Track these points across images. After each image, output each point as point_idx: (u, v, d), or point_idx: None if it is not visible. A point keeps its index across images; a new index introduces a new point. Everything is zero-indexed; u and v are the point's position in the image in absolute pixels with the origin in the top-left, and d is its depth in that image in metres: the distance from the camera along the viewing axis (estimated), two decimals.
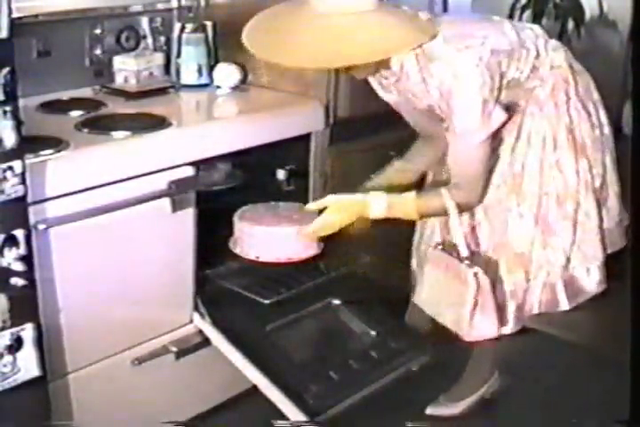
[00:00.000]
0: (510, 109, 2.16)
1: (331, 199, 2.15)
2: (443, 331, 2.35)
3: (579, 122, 2.23)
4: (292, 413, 2.27)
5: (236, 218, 2.38)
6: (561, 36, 4.82)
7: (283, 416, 2.27)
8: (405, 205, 2.12)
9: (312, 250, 2.32)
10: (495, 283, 2.21)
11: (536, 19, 4.84)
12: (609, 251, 2.35)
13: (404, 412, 2.58)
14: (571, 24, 4.88)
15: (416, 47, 2.03)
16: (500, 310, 2.20)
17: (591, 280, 2.33)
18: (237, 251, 2.37)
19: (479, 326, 2.16)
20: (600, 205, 2.30)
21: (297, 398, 2.29)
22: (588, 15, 4.92)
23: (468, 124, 2.05)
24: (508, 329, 2.32)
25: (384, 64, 2.09)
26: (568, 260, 2.28)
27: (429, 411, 2.62)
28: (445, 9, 3.17)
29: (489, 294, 2.15)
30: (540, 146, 2.21)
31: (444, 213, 2.14)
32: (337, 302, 2.66)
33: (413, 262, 2.51)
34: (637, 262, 2.00)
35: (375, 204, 2.11)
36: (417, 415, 2.60)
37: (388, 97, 2.29)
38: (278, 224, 2.33)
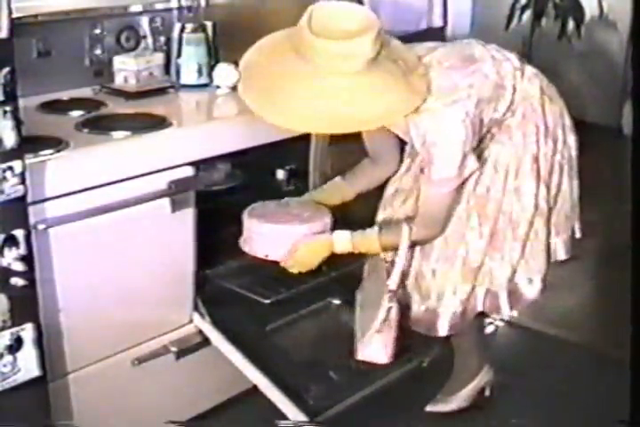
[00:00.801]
0: (481, 139, 2.24)
1: (299, 246, 2.28)
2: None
3: (545, 151, 2.30)
4: (292, 413, 2.27)
5: (245, 215, 2.37)
6: (561, 36, 4.83)
7: (283, 416, 2.28)
8: (370, 243, 2.27)
9: (273, 255, 2.34)
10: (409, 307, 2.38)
11: (536, 19, 4.85)
12: (553, 260, 2.44)
13: (403, 412, 2.59)
14: (571, 24, 4.88)
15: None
16: (399, 340, 2.28)
17: (533, 289, 2.40)
18: (246, 249, 2.37)
19: (373, 351, 2.26)
20: (549, 223, 2.38)
21: (297, 398, 2.29)
22: (587, 15, 4.93)
23: (444, 174, 2.14)
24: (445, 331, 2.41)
25: None
26: (514, 272, 2.36)
27: (429, 408, 2.64)
28: (445, 9, 3.17)
29: (394, 327, 2.24)
30: (504, 173, 2.28)
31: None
32: (337, 302, 2.66)
33: None
34: (637, 262, 2.00)
35: (339, 243, 2.28)
36: (417, 415, 2.61)
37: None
38: (288, 222, 2.34)
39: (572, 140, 2.37)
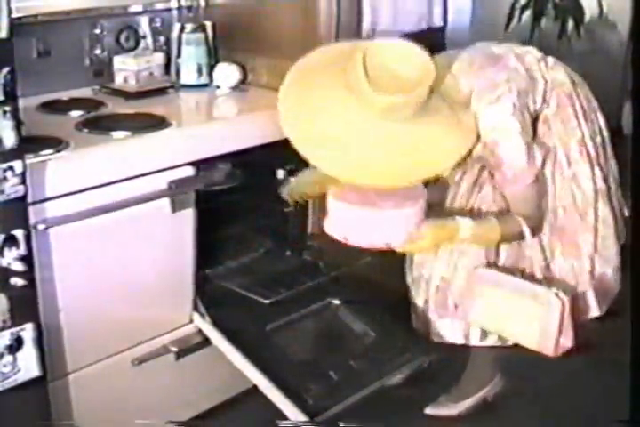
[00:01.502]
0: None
1: (427, 231, 2.10)
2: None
3: (588, 134, 2.28)
4: (292, 413, 2.27)
5: (330, 194, 2.18)
6: (561, 36, 4.83)
7: (283, 416, 2.27)
8: (491, 231, 2.15)
9: (394, 241, 2.12)
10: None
11: (536, 19, 4.84)
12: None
13: (403, 412, 2.58)
14: (571, 24, 4.87)
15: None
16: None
17: (614, 281, 2.36)
18: (328, 230, 2.16)
19: (563, 342, 2.19)
20: (614, 209, 2.34)
21: (297, 398, 2.29)
22: (587, 15, 4.92)
23: (517, 170, 2.13)
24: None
25: None
26: (593, 266, 2.31)
27: (429, 411, 2.62)
28: (445, 9, 3.17)
29: (569, 311, 2.17)
30: (552, 162, 2.24)
31: (517, 238, 2.20)
32: (337, 302, 2.66)
33: (409, 279, 2.48)
34: (637, 262, 2.00)
35: (463, 230, 2.12)
36: (417, 416, 2.61)
37: None
38: (377, 204, 2.12)
39: (602, 121, 2.34)
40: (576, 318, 2.24)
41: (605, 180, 2.30)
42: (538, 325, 2.18)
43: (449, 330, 2.39)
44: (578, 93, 2.28)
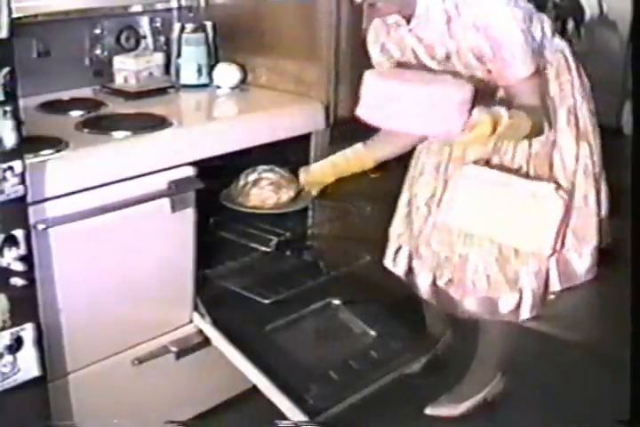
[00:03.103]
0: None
1: (483, 115, 1.96)
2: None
3: (581, 105, 2.29)
4: (292, 413, 2.27)
5: (370, 74, 2.05)
6: (561, 36, 4.83)
7: (283, 416, 2.27)
8: (523, 118, 2.04)
9: (454, 126, 1.97)
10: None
11: None
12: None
13: (403, 412, 2.58)
14: (571, 24, 4.87)
15: None
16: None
17: (583, 265, 2.38)
18: (368, 116, 2.03)
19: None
20: (599, 192, 2.35)
21: (297, 398, 2.29)
22: (587, 15, 4.92)
23: (515, 49, 2.09)
24: (527, 314, 2.40)
25: (408, 9, 2.14)
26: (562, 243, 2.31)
27: (429, 411, 2.62)
28: None
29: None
30: None
31: (539, 132, 2.16)
32: (337, 302, 2.66)
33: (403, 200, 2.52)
34: (637, 262, 2.00)
35: (504, 115, 2.00)
36: (417, 416, 2.60)
37: (384, 58, 2.30)
38: (423, 82, 2.01)
39: (592, 103, 2.34)
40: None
41: (592, 159, 2.30)
42: (535, 224, 2.10)
43: (474, 306, 2.42)
44: (577, 64, 2.30)
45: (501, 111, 1.99)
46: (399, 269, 2.55)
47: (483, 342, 2.63)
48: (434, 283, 2.47)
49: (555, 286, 2.40)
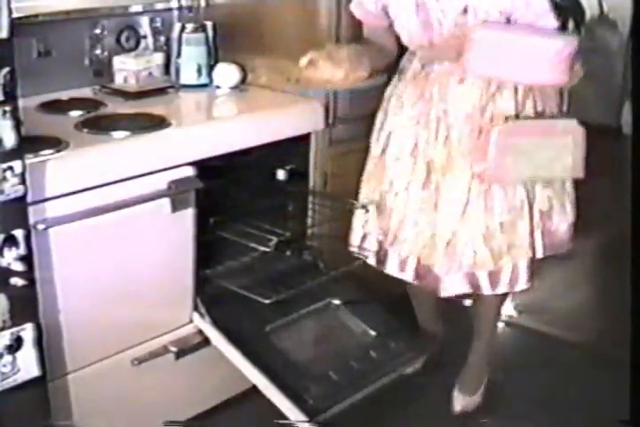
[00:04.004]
0: None
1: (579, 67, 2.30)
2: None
3: None
4: (292, 413, 2.27)
5: (479, 27, 2.21)
6: None
7: (283, 416, 2.28)
8: None
9: (562, 77, 2.23)
10: None
11: None
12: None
13: (403, 412, 2.59)
14: (571, 24, 4.88)
15: None
16: None
17: (565, 234, 2.52)
18: (476, 68, 2.24)
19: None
20: None
21: (297, 398, 2.29)
22: (588, 15, 4.92)
23: (544, 2, 2.24)
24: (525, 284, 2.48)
25: None
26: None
27: (458, 409, 2.65)
28: None
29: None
30: None
31: None
32: (337, 302, 2.66)
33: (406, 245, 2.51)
34: (637, 262, 2.00)
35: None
36: (417, 416, 2.61)
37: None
38: (533, 34, 2.21)
39: None
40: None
41: None
42: (569, 154, 2.29)
43: (458, 283, 2.45)
44: None
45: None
46: (368, 254, 2.57)
47: (476, 334, 2.68)
48: (417, 264, 2.49)
49: (538, 253, 2.46)
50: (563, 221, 2.49)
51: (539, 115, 2.36)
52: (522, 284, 2.46)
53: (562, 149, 2.30)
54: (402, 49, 2.46)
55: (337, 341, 2.56)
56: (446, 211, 2.40)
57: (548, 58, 2.17)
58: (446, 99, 2.35)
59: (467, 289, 2.46)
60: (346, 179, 2.65)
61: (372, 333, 2.59)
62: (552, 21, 2.27)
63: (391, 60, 2.47)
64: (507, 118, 2.30)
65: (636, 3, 2.54)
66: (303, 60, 2.22)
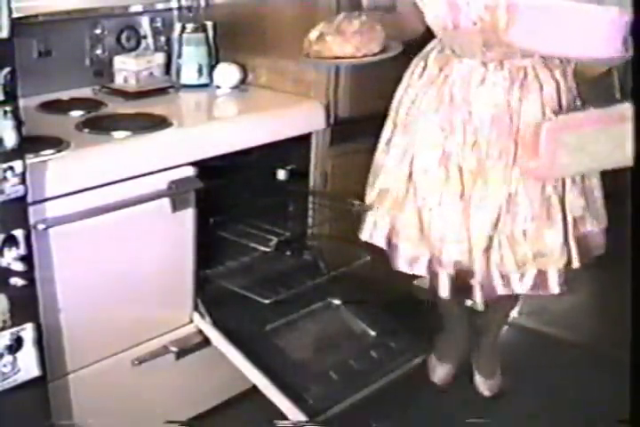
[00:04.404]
0: None
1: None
2: None
3: None
4: (292, 413, 2.27)
5: None
6: None
7: (283, 416, 2.28)
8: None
9: (617, 49, 1.99)
10: None
11: None
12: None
13: (403, 412, 2.58)
14: None
15: None
16: None
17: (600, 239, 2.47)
18: (512, 38, 2.06)
19: None
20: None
21: (297, 398, 2.29)
22: None
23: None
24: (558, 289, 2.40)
25: None
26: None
27: (487, 394, 2.72)
28: None
29: None
30: None
31: None
32: (337, 302, 2.66)
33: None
34: (637, 262, 2.00)
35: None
36: (417, 415, 2.61)
37: None
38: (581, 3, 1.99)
39: None
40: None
41: None
42: (628, 141, 1.93)
43: (492, 288, 2.39)
44: None
45: None
46: (379, 241, 2.51)
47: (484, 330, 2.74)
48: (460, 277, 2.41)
49: (575, 263, 2.39)
50: (595, 226, 2.43)
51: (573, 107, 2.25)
52: (552, 289, 2.39)
53: (620, 137, 2.09)
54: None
55: (337, 341, 2.56)
56: (481, 218, 2.32)
57: (603, 27, 1.97)
58: (469, 100, 2.27)
59: (501, 291, 2.39)
60: (346, 179, 2.65)
61: (372, 333, 2.59)
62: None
63: (413, 37, 2.35)
64: (554, 113, 2.19)
65: (637, 3, 2.52)
66: (313, 34, 2.16)
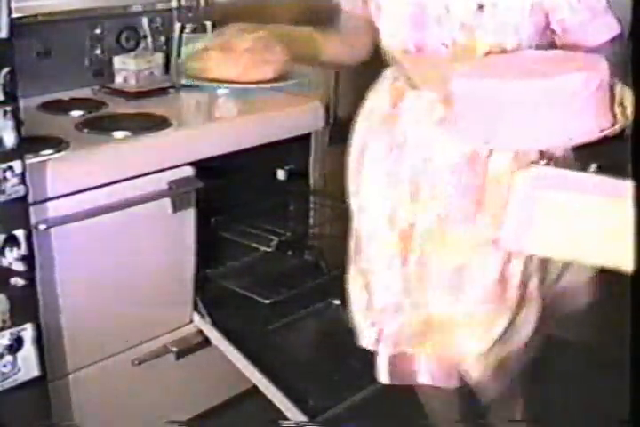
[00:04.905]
0: None
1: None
2: None
3: None
4: (292, 413, 2.27)
5: (457, 76, 1.52)
6: None
7: (283, 416, 2.28)
8: None
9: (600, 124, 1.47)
10: None
11: None
12: None
13: (404, 412, 2.58)
14: None
15: None
16: None
17: None
18: (456, 136, 1.58)
19: None
20: None
21: (297, 399, 2.29)
22: None
23: (614, 29, 1.78)
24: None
25: None
26: None
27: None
28: None
29: None
30: None
31: None
32: (337, 302, 2.66)
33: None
34: (637, 262, 2.00)
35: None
36: (417, 416, 2.60)
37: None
38: (537, 74, 1.45)
39: None
40: None
41: None
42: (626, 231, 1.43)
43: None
44: None
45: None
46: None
47: None
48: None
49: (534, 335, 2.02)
50: (575, 280, 1.96)
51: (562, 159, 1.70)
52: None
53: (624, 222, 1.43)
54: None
55: (337, 341, 2.56)
56: (422, 291, 1.90)
57: (567, 102, 1.43)
58: (425, 145, 1.80)
59: (442, 383, 2.00)
60: (346, 179, 2.65)
61: None
62: (612, 22, 1.73)
63: (353, 63, 2.00)
64: (532, 163, 1.60)
65: (636, 3, 2.52)
66: (195, 47, 1.82)
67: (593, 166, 1.60)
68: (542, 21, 1.70)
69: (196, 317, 2.45)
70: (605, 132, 1.51)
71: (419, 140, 1.82)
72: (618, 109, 1.52)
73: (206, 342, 2.45)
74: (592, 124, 1.48)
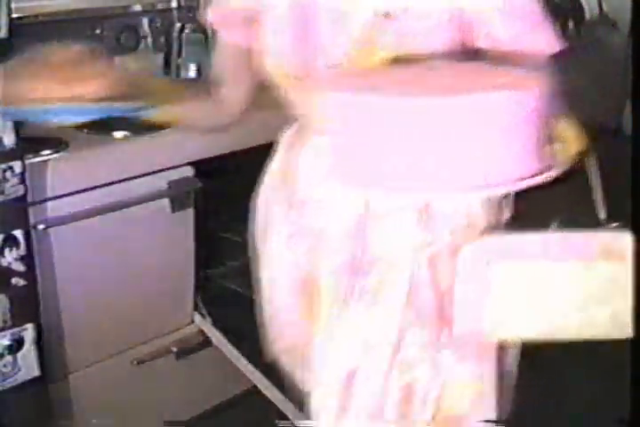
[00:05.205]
0: None
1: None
2: None
3: None
4: (292, 413, 2.27)
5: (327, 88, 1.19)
6: (562, 35, 4.83)
7: (283, 416, 2.27)
8: None
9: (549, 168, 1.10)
10: None
11: None
12: None
13: None
14: (571, 24, 4.88)
15: None
16: None
17: None
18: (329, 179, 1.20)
19: None
20: None
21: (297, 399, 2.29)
22: (588, 15, 4.92)
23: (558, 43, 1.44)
24: None
25: None
26: None
27: None
28: None
29: None
30: None
31: None
32: None
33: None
34: (637, 263, 2.00)
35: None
36: None
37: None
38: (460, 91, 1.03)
39: None
40: None
41: None
42: (611, 295, 1.30)
43: None
44: None
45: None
46: None
47: None
48: None
49: None
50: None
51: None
52: None
53: (610, 286, 1.26)
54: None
55: None
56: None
57: (480, 132, 1.02)
58: (321, 203, 1.48)
59: None
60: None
61: None
62: (550, 38, 1.38)
63: (221, 123, 1.73)
64: (482, 232, 1.29)
65: (636, 3, 2.52)
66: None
67: (554, 224, 1.31)
68: (466, 32, 1.34)
69: (197, 317, 2.45)
70: (537, 179, 1.08)
71: (313, 202, 1.48)
72: (557, 146, 1.15)
73: (207, 342, 2.45)
74: (516, 166, 1.04)
